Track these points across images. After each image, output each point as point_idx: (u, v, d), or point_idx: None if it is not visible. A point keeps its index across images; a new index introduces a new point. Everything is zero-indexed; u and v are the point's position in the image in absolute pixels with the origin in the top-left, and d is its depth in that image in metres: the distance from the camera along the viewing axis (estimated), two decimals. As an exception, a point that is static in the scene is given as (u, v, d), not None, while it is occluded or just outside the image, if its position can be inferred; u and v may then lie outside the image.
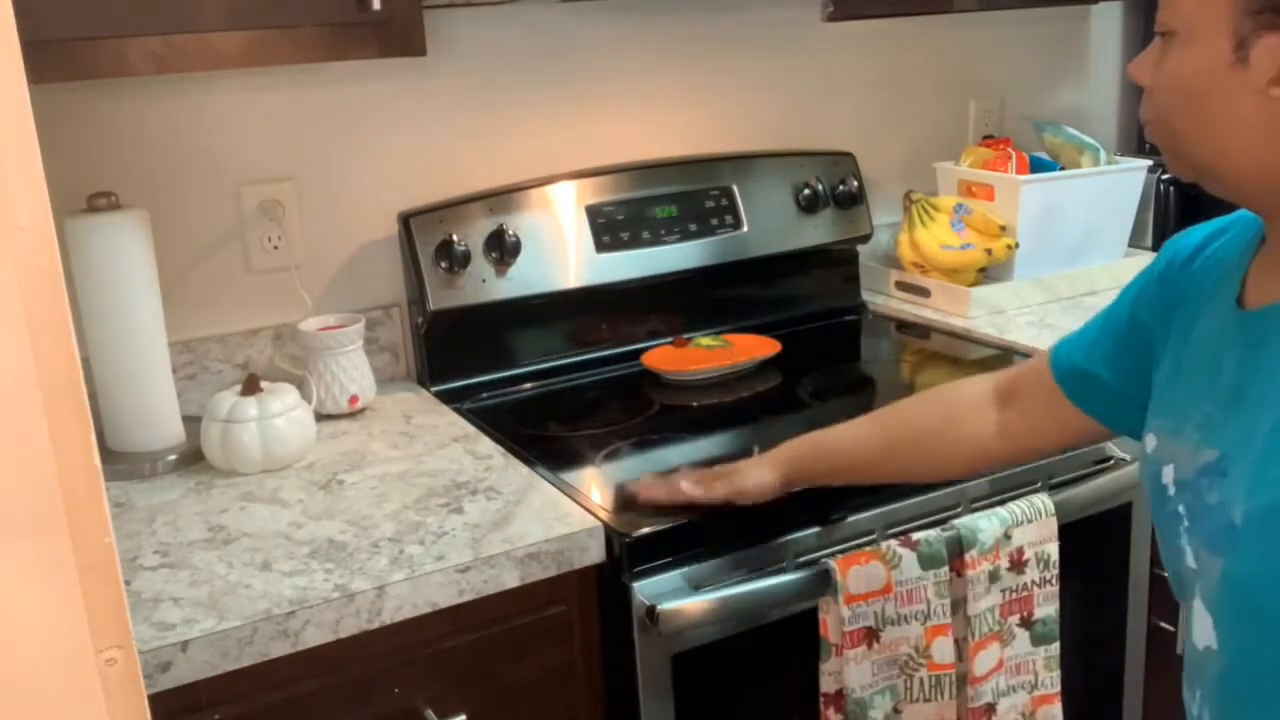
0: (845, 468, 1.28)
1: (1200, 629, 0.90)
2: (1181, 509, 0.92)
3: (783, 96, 2.05)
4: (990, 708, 1.35)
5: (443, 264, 1.68)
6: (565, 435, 1.59)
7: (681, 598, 1.23)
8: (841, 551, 1.31)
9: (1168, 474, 0.94)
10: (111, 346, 1.46)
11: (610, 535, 1.26)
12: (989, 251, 1.98)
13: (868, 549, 1.29)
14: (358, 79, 1.70)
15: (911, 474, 1.31)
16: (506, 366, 1.77)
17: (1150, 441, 0.99)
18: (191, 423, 1.51)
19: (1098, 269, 2.08)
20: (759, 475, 1.28)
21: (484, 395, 1.73)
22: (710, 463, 1.37)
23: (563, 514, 1.29)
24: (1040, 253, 2.02)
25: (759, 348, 1.80)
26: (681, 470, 1.35)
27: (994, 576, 1.33)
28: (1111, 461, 1.50)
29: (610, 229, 1.81)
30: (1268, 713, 0.86)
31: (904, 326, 2.01)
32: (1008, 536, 1.34)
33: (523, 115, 1.83)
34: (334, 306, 1.72)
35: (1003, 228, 1.99)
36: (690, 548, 1.28)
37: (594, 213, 1.80)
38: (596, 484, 1.43)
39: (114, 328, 1.45)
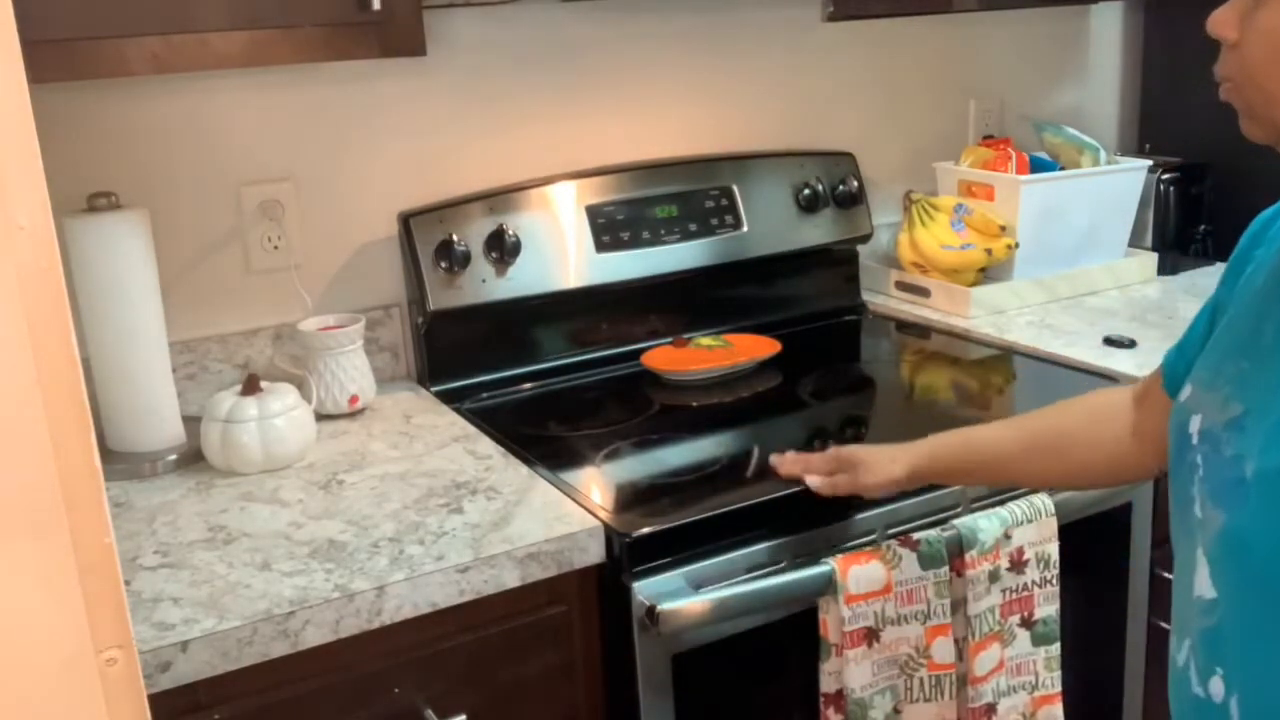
0: (986, 463, 1.26)
1: (1199, 578, 0.90)
2: (1199, 459, 0.92)
3: (782, 96, 2.05)
4: (991, 708, 1.35)
5: (443, 264, 1.68)
6: (565, 435, 1.59)
7: (681, 598, 1.23)
8: (841, 551, 1.31)
9: (1194, 423, 0.93)
10: (111, 346, 1.46)
11: (610, 535, 1.26)
12: (989, 251, 1.98)
13: (868, 549, 1.29)
14: (358, 79, 1.70)
15: (1049, 475, 1.28)
16: (506, 366, 1.77)
17: (1186, 391, 0.98)
18: (191, 423, 1.51)
19: (1098, 269, 2.08)
20: (887, 471, 1.26)
21: (484, 395, 1.73)
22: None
23: (563, 514, 1.29)
24: (1040, 253, 2.02)
25: (759, 348, 1.80)
26: (817, 456, 1.33)
27: (994, 576, 1.33)
28: (1111, 461, 1.50)
29: (610, 229, 1.81)
30: (1248, 664, 0.86)
31: (904, 326, 2.01)
32: (1008, 536, 1.34)
33: (523, 115, 1.83)
34: (334, 306, 1.72)
35: (1003, 228, 1.99)
36: (690, 548, 1.28)
37: (594, 213, 1.80)
38: (596, 484, 1.43)
39: (114, 328, 1.45)
